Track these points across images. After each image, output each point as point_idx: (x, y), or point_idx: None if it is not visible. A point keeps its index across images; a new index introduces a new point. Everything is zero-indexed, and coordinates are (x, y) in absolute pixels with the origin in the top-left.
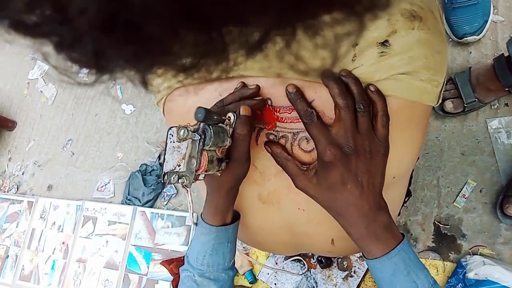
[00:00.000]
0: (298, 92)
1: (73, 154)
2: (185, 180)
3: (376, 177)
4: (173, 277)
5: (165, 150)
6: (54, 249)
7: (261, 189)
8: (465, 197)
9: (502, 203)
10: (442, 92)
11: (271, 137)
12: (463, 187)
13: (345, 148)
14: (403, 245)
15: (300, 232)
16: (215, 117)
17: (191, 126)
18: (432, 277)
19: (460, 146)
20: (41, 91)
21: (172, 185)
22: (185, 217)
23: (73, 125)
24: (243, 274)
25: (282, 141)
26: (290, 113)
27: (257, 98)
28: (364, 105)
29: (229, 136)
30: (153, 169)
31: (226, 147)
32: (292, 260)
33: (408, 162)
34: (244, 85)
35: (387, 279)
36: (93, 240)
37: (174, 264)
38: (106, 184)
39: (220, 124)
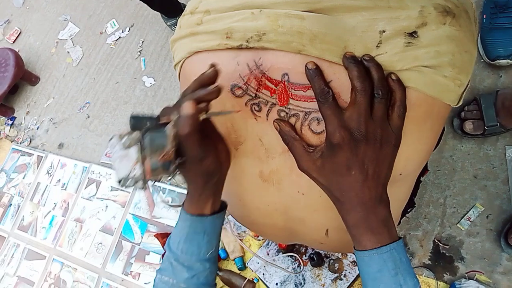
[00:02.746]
0: (317, 69)
1: (89, 117)
2: (139, 184)
3: (382, 167)
4: (164, 251)
5: (112, 159)
6: (55, 205)
7: (263, 166)
8: (470, 220)
9: (508, 232)
10: (463, 95)
11: (282, 114)
12: (470, 210)
13: (356, 132)
14: (397, 245)
15: (296, 217)
16: (148, 123)
17: (133, 132)
18: None
19: (474, 169)
20: (68, 52)
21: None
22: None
23: (93, 89)
24: (233, 260)
25: (293, 119)
26: (305, 92)
27: (211, 87)
28: (382, 92)
29: (171, 138)
30: None
31: (170, 151)
32: (284, 255)
33: (417, 161)
34: (211, 66)
35: (372, 274)
36: (94, 202)
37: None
38: None
39: (162, 128)
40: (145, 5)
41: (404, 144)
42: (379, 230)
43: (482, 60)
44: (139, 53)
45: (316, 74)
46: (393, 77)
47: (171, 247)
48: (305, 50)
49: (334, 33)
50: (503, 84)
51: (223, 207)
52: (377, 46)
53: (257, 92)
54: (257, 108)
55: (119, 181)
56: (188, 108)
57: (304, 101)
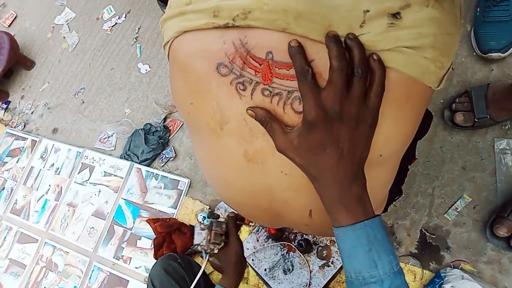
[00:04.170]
0: (300, 47)
1: (83, 102)
2: (204, 249)
3: (358, 147)
4: (155, 236)
5: (194, 233)
6: (48, 189)
7: (248, 146)
8: (457, 210)
9: (493, 222)
10: (445, 77)
11: (266, 93)
12: (457, 200)
13: (331, 111)
14: (372, 222)
15: (280, 198)
16: (215, 216)
17: (208, 221)
18: (400, 267)
19: (463, 160)
20: (64, 37)
21: (173, 150)
22: (179, 181)
23: (88, 75)
24: None
25: (276, 98)
26: (288, 70)
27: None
28: (362, 70)
29: (224, 224)
30: (157, 130)
31: (223, 229)
32: (274, 242)
33: (397, 142)
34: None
35: (347, 251)
36: (87, 187)
37: (159, 223)
38: (109, 137)
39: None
40: None
41: (384, 125)
42: (354, 207)
43: (474, 53)
44: (135, 39)
45: (297, 52)
46: (375, 57)
47: None
48: (289, 28)
49: (319, 11)
50: (494, 77)
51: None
52: (360, 26)
53: (242, 71)
54: (242, 87)
55: (194, 246)
56: (233, 218)
57: (287, 79)
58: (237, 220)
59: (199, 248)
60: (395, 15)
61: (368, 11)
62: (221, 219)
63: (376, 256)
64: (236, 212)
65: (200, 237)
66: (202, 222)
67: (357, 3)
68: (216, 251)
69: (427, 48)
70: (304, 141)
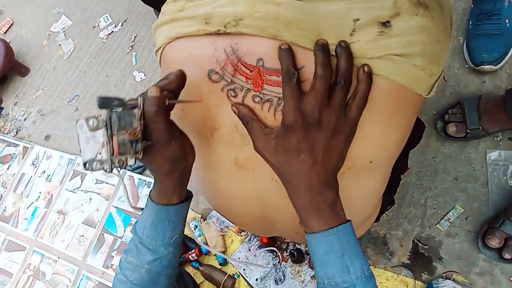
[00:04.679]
0: (289, 50)
1: (77, 109)
2: (105, 166)
3: (333, 155)
4: None
5: (78, 140)
6: (39, 196)
7: (238, 152)
8: (449, 221)
9: (485, 233)
10: (435, 85)
11: (257, 99)
12: (450, 211)
13: (309, 117)
14: (344, 227)
15: (271, 205)
16: (115, 102)
17: (100, 115)
18: (370, 271)
19: (455, 171)
20: (60, 44)
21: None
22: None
23: (83, 82)
24: (215, 255)
25: (267, 104)
26: (279, 77)
27: (170, 77)
28: (345, 81)
29: (137, 118)
30: None
31: (137, 129)
32: (266, 250)
33: (388, 150)
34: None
35: (320, 257)
36: (78, 195)
37: None
38: None
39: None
40: (139, 0)
41: (374, 132)
42: (326, 213)
43: (467, 65)
44: (130, 48)
45: (286, 54)
46: (366, 69)
47: (137, 231)
48: (280, 36)
49: (309, 19)
50: (486, 89)
51: (188, 196)
52: (350, 34)
53: (233, 78)
54: (233, 94)
55: (85, 164)
56: (153, 90)
57: (278, 86)
58: (164, 102)
59: (94, 166)
60: (385, 24)
61: (358, 19)
62: (130, 106)
63: (348, 261)
64: (160, 85)
65: (91, 147)
66: (94, 117)
67: (347, 12)
68: (131, 163)
69: (416, 56)
70: (280, 143)
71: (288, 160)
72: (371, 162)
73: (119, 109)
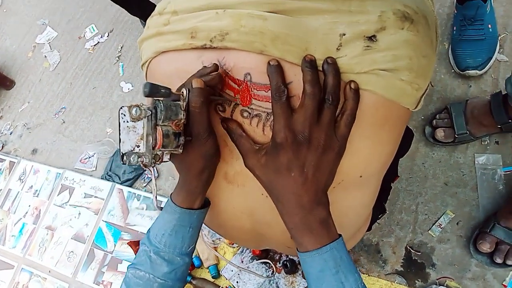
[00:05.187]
0: (279, 66)
1: (64, 122)
2: (144, 159)
3: (323, 173)
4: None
5: (119, 130)
6: (26, 212)
7: (228, 167)
8: (441, 227)
9: (476, 238)
10: (422, 99)
11: (245, 114)
12: (441, 217)
13: (299, 135)
14: (337, 244)
15: (262, 220)
16: (162, 91)
17: (143, 105)
18: (364, 284)
19: (445, 176)
20: (45, 56)
21: (155, 170)
22: (161, 201)
23: (70, 94)
24: (207, 268)
25: (255, 119)
26: (266, 92)
27: (213, 73)
28: (333, 98)
29: (183, 109)
30: None
31: (182, 121)
32: (259, 262)
33: (378, 163)
34: (205, 67)
35: (315, 274)
36: (66, 209)
37: None
38: (90, 157)
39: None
40: (125, 10)
41: (363, 147)
42: (318, 231)
43: (452, 71)
44: (117, 58)
45: (275, 71)
46: (352, 85)
47: (151, 241)
48: (266, 51)
49: (295, 34)
50: (472, 94)
51: (206, 203)
52: (337, 49)
53: (221, 92)
54: (221, 109)
55: (122, 156)
56: (198, 82)
57: (266, 101)
58: (208, 95)
59: (132, 160)
60: (371, 38)
61: (344, 34)
62: (173, 99)
63: (343, 277)
64: (203, 80)
65: (131, 138)
66: (137, 105)
67: (333, 27)
68: (166, 159)
69: (403, 70)
70: (271, 161)
71: (278, 178)
72: (361, 176)
73: (161, 100)
